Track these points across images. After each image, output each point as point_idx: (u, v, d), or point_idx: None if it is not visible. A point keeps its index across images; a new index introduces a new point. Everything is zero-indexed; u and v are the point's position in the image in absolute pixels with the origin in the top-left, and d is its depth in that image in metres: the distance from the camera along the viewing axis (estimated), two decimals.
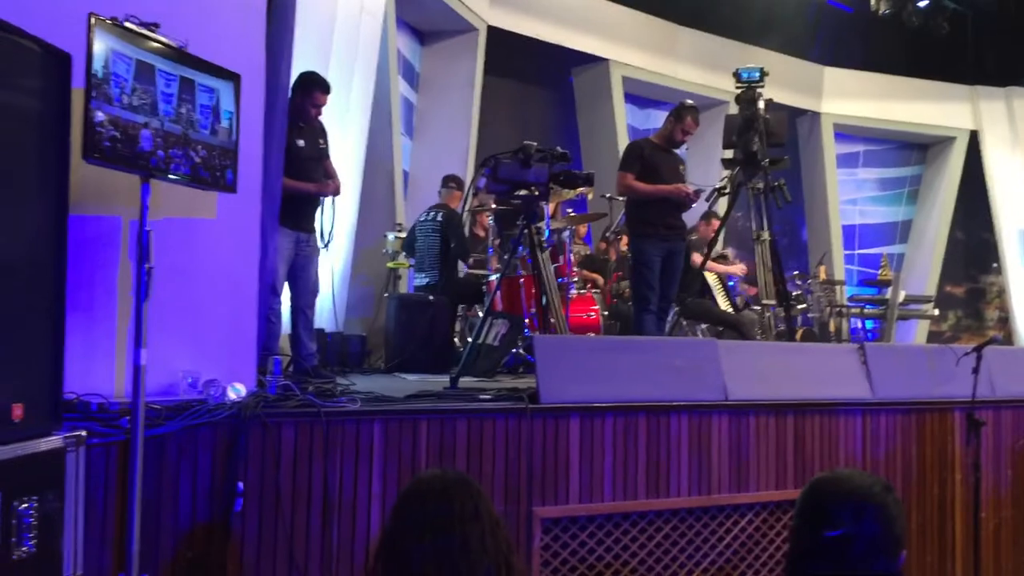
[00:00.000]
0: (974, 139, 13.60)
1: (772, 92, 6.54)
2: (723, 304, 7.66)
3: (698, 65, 11.68)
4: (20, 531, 2.43)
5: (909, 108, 13.31)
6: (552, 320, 5.02)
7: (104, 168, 2.88)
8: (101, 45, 2.77)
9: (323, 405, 3.45)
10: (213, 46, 3.38)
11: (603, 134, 11.06)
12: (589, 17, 10.88)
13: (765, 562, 4.33)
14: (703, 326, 8.10)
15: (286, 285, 5.36)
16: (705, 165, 10.96)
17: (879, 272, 11.55)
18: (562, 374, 4.01)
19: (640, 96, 11.85)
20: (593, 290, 7.50)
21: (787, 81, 11.75)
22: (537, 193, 5.08)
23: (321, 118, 5.50)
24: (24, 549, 2.44)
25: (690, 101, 6.43)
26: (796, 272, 10.89)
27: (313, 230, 5.44)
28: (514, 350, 6.05)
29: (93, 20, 2.76)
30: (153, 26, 3.02)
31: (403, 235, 7.58)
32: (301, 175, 5.20)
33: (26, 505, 2.45)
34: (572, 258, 7.13)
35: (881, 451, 4.77)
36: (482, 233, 7.71)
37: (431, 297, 6.72)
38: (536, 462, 3.81)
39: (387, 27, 7.93)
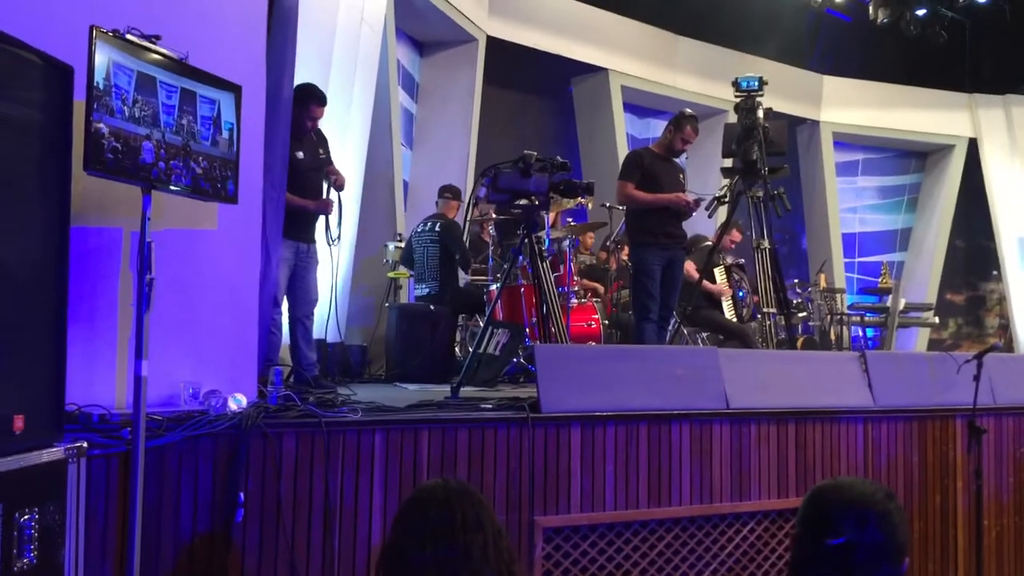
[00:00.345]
0: (973, 147, 13.62)
1: (771, 101, 6.55)
2: (728, 313, 7.66)
3: (697, 74, 11.71)
4: (21, 543, 2.43)
5: (908, 116, 13.33)
6: (553, 329, 5.03)
7: (105, 179, 2.89)
8: (103, 57, 2.78)
9: (324, 415, 3.44)
10: (214, 57, 3.39)
11: (603, 143, 11.08)
12: (588, 27, 10.91)
13: (767, 571, 4.32)
14: (704, 335, 8.10)
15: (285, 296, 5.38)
16: (705, 174, 10.97)
17: (879, 280, 11.55)
18: (563, 383, 4.00)
19: (639, 105, 11.88)
20: (594, 299, 7.51)
21: (786, 90, 11.78)
22: (537, 203, 5.09)
23: (321, 127, 5.52)
24: (25, 561, 2.44)
25: (689, 110, 6.44)
26: (796, 280, 10.90)
27: (313, 240, 5.46)
28: (515, 359, 6.05)
29: (95, 32, 2.77)
30: (154, 38, 3.03)
31: (403, 245, 7.59)
32: (303, 187, 5.23)
33: (27, 517, 2.45)
34: (573, 267, 7.14)
35: (883, 459, 4.77)
36: (488, 239, 7.71)
37: (432, 307, 6.73)
38: (537, 471, 3.81)
39: (387, 38, 7.96)
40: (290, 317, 5.42)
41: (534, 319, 5.93)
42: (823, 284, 10.87)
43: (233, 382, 3.57)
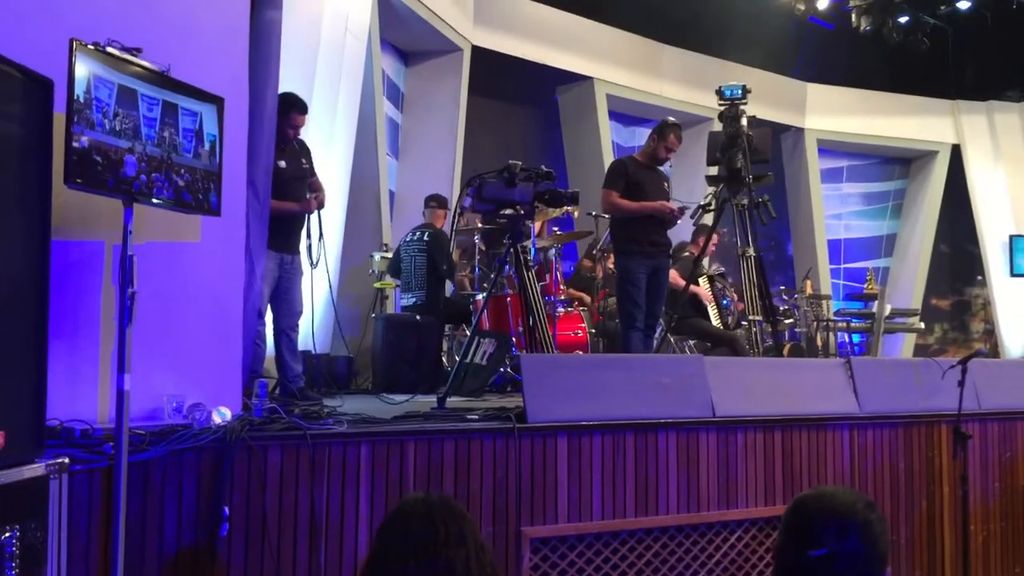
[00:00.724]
0: (956, 153, 13.70)
1: (756, 109, 6.58)
2: (716, 322, 7.68)
3: (682, 82, 11.75)
4: (2, 561, 2.40)
5: (892, 123, 13.41)
6: (539, 339, 5.02)
7: (86, 193, 2.88)
8: (83, 70, 2.77)
9: (309, 428, 3.42)
10: (196, 70, 3.38)
11: (588, 152, 11.10)
12: (573, 36, 10.94)
13: None
14: (691, 342, 8.11)
15: (269, 307, 5.37)
16: (690, 182, 11.00)
17: (865, 286, 11.61)
18: (549, 393, 4.00)
19: (625, 114, 11.91)
20: (580, 308, 7.51)
21: (770, 98, 11.82)
22: (522, 212, 5.09)
23: (303, 138, 5.51)
24: None
25: (672, 118, 6.47)
26: (783, 287, 10.94)
27: (297, 251, 5.44)
28: (502, 369, 6.04)
29: (75, 45, 2.76)
30: (135, 51, 3.02)
31: (389, 255, 7.58)
32: (284, 196, 5.21)
33: (8, 535, 2.43)
34: (559, 276, 7.14)
35: (869, 465, 4.78)
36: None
37: (418, 317, 6.72)
38: (524, 482, 3.80)
39: (371, 48, 7.96)
40: (275, 329, 5.40)
41: (520, 328, 5.92)
42: (809, 291, 10.91)
43: (217, 395, 3.55)
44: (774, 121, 11.89)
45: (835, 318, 10.93)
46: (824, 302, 11.11)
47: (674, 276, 6.89)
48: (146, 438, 3.06)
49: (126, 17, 3.39)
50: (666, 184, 6.41)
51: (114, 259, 3.15)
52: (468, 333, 6.67)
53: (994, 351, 13.17)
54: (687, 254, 7.60)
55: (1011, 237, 13.13)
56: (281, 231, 5.17)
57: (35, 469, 2.58)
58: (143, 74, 3.00)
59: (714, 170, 6.53)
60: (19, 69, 2.59)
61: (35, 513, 2.56)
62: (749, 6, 11.68)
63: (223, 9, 3.84)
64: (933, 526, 4.94)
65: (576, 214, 8.42)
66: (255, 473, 3.25)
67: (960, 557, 4.89)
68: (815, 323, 10.53)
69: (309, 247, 5.43)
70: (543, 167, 5.15)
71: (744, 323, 6.51)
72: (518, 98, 11.40)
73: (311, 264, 5.43)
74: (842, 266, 13.62)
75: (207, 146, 3.25)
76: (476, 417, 4.00)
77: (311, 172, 5.59)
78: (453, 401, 4.85)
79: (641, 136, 11.62)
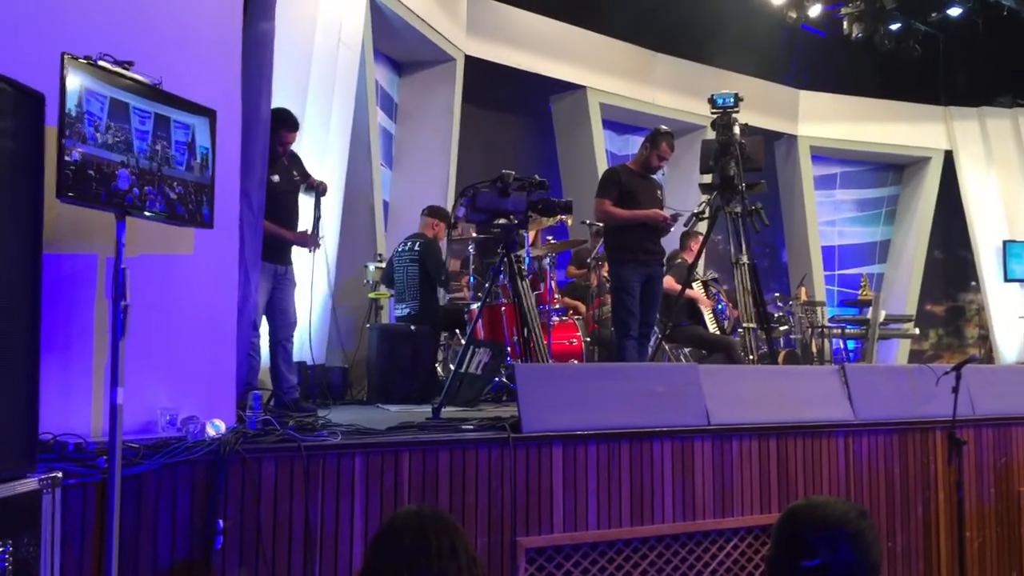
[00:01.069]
0: (949, 159, 13.74)
1: (748, 116, 6.60)
2: (711, 327, 7.69)
3: (675, 91, 11.78)
4: None
5: (884, 129, 13.45)
6: (533, 347, 5.02)
7: (79, 206, 2.88)
8: (75, 84, 2.77)
9: (303, 439, 3.42)
10: (188, 82, 3.39)
11: (582, 160, 11.12)
12: (566, 45, 10.96)
13: None
14: (687, 350, 8.12)
15: (264, 319, 5.37)
16: (683, 190, 11.03)
17: (859, 292, 11.64)
18: (544, 402, 4.00)
19: (618, 122, 11.93)
20: (575, 317, 7.51)
21: (763, 105, 11.86)
22: (516, 221, 5.09)
23: (295, 149, 5.55)
24: None
25: (664, 127, 6.48)
26: (777, 294, 10.95)
27: (289, 262, 5.47)
28: (497, 378, 6.03)
29: (66, 59, 2.76)
30: (127, 64, 3.03)
31: (383, 265, 7.58)
32: (279, 211, 5.26)
33: (1, 550, 2.42)
34: (553, 285, 7.14)
35: (864, 472, 4.78)
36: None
37: (413, 327, 6.71)
38: (520, 492, 3.79)
39: (365, 58, 7.97)
40: (270, 340, 5.41)
41: (515, 337, 5.93)
42: (804, 297, 10.92)
43: (211, 407, 3.55)
44: (767, 128, 11.92)
45: (830, 325, 10.94)
46: (819, 309, 11.12)
47: (669, 282, 6.89)
48: (140, 451, 3.06)
49: (118, 30, 3.40)
50: (659, 192, 6.42)
51: (107, 272, 3.15)
52: (463, 342, 6.67)
53: (988, 357, 13.19)
54: (680, 261, 7.62)
55: (1004, 242, 13.18)
56: (273, 244, 5.19)
57: (28, 483, 2.57)
58: (135, 87, 3.00)
59: (707, 178, 6.54)
60: (10, 83, 2.59)
61: (28, 528, 2.56)
62: (741, 14, 11.71)
63: (215, 22, 3.85)
64: (929, 532, 4.94)
65: (570, 223, 8.45)
66: (249, 485, 3.24)
67: (956, 563, 4.89)
68: (810, 330, 10.54)
69: (316, 227, 5.53)
70: (536, 176, 5.16)
71: (740, 329, 6.51)
72: (511, 107, 11.42)
73: (312, 248, 5.53)
74: (836, 272, 13.64)
75: (199, 159, 3.25)
76: (471, 427, 4.00)
77: (303, 179, 5.62)
78: (449, 411, 4.84)
79: (634, 144, 11.62)
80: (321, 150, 7.19)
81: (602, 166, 10.52)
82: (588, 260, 8.16)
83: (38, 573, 2.58)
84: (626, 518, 4.04)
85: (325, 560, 3.37)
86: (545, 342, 5.62)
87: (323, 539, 3.38)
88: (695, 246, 7.43)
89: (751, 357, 6.21)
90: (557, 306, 7.28)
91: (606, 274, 7.47)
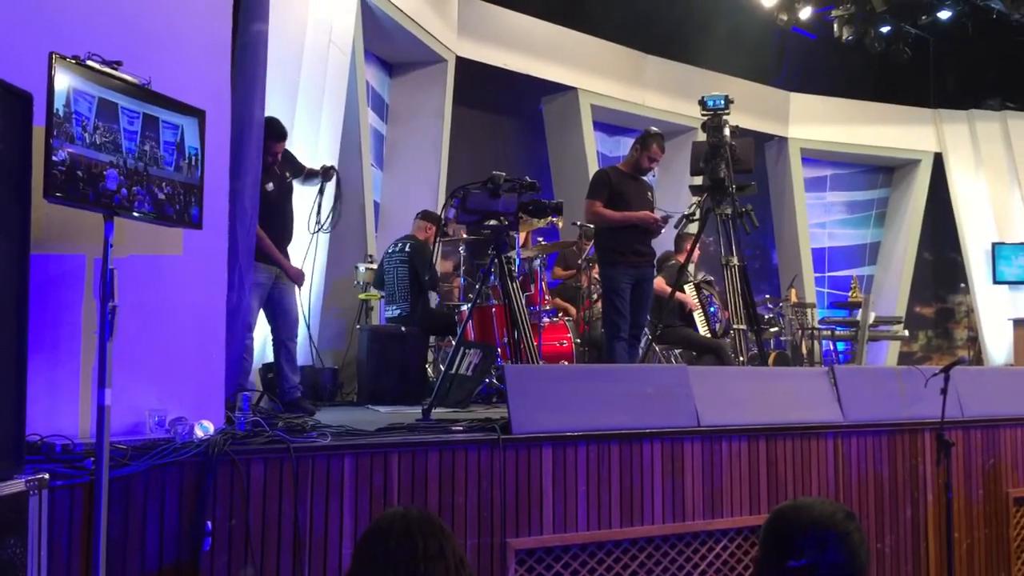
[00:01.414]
0: (938, 161, 13.80)
1: (739, 118, 6.61)
2: (702, 329, 7.71)
3: (666, 93, 11.80)
4: None
5: (874, 132, 13.49)
6: (524, 349, 5.02)
7: (67, 207, 2.87)
8: (63, 84, 2.76)
9: (292, 441, 3.41)
10: (177, 82, 3.38)
11: (573, 162, 11.13)
12: (557, 46, 10.97)
13: None
14: (677, 351, 8.13)
15: (263, 321, 5.43)
16: (674, 191, 11.04)
17: (849, 294, 11.67)
18: (534, 404, 4.00)
19: (609, 124, 11.95)
20: (566, 318, 7.52)
21: (754, 107, 11.89)
22: (506, 223, 5.09)
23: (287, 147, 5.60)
24: None
25: (655, 128, 6.48)
26: (768, 296, 10.97)
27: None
28: (487, 380, 6.03)
29: (54, 59, 2.75)
30: (115, 64, 3.01)
31: (374, 266, 7.57)
32: (272, 219, 5.28)
33: None
34: (544, 286, 7.14)
35: (853, 474, 4.79)
36: None
37: (403, 328, 6.71)
38: (509, 493, 3.79)
39: (355, 59, 7.96)
40: (274, 340, 5.49)
41: (505, 339, 5.92)
42: (794, 299, 10.95)
43: (200, 408, 3.53)
44: (758, 130, 11.96)
45: (820, 326, 10.98)
46: (809, 310, 11.15)
47: (660, 283, 6.90)
48: (127, 453, 3.05)
49: (106, 30, 3.38)
50: (650, 194, 6.43)
51: (95, 273, 3.14)
52: (453, 344, 6.66)
53: (977, 358, 13.24)
54: (672, 263, 7.62)
55: (993, 245, 13.24)
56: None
57: (15, 485, 2.56)
58: (123, 87, 2.99)
59: (698, 180, 6.55)
60: None
61: (14, 529, 2.54)
62: (732, 16, 11.75)
63: (204, 21, 3.84)
64: (917, 534, 4.96)
65: (560, 224, 8.45)
66: (238, 487, 3.23)
67: (944, 565, 4.91)
68: (800, 331, 10.57)
69: (319, 214, 5.69)
70: (527, 178, 5.16)
71: (731, 332, 6.52)
72: (503, 109, 11.43)
73: (324, 228, 5.71)
74: (826, 274, 13.68)
75: (188, 159, 3.24)
76: (461, 428, 3.99)
77: (299, 174, 5.69)
78: (439, 412, 4.84)
79: (625, 146, 11.66)
80: (311, 151, 7.16)
81: (593, 167, 10.53)
82: (579, 262, 8.17)
83: (24, 575, 2.57)
84: (616, 519, 4.04)
85: (314, 562, 3.36)
86: (535, 343, 5.62)
87: (312, 540, 3.37)
88: (688, 248, 7.43)
89: (741, 359, 6.22)
90: (548, 307, 7.29)
91: (596, 275, 7.48)
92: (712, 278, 8.32)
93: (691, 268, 7.62)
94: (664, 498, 4.18)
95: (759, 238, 12.93)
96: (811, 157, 13.49)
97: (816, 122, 13.26)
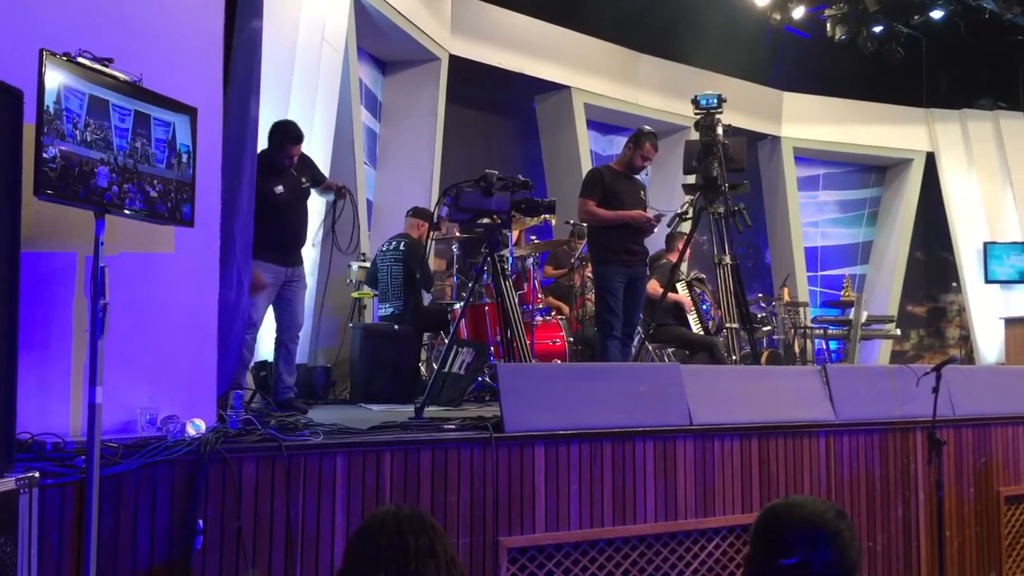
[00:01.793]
0: (931, 160, 13.83)
1: (732, 117, 6.61)
2: (696, 327, 7.71)
3: (659, 91, 11.81)
4: None
5: (867, 131, 13.52)
6: (516, 347, 5.02)
7: (57, 204, 2.86)
8: (53, 81, 2.75)
9: (284, 439, 3.41)
10: (169, 80, 3.37)
11: (567, 160, 11.12)
12: (551, 45, 10.97)
13: None
14: (670, 350, 8.13)
15: (270, 319, 5.50)
16: (667, 190, 11.06)
17: (841, 293, 11.69)
18: (526, 402, 4.00)
19: (602, 122, 11.95)
20: (558, 317, 7.52)
21: (747, 106, 11.91)
22: (499, 221, 5.09)
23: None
24: None
25: (648, 127, 6.48)
26: (760, 295, 10.98)
27: (296, 264, 5.50)
28: (480, 378, 6.03)
29: (45, 56, 2.74)
30: (107, 61, 3.01)
31: (367, 265, 7.56)
32: (277, 218, 5.30)
33: None
34: (537, 285, 7.14)
35: (845, 472, 4.80)
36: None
37: (396, 326, 6.70)
38: (502, 491, 3.79)
39: (348, 57, 7.94)
40: (276, 339, 5.53)
41: (498, 337, 5.92)
42: (787, 298, 10.97)
43: (192, 407, 3.53)
44: (751, 130, 11.97)
45: (812, 325, 10.99)
46: (801, 309, 11.17)
47: (652, 285, 6.90)
48: (119, 451, 3.04)
49: (98, 26, 3.37)
50: (643, 193, 6.43)
51: (86, 271, 3.13)
52: (446, 342, 6.66)
53: (969, 357, 13.28)
54: (663, 262, 7.63)
55: (985, 244, 13.28)
56: (274, 246, 5.24)
57: (5, 483, 2.55)
58: (115, 84, 2.98)
59: (691, 179, 6.55)
60: None
61: (5, 528, 2.53)
62: (725, 16, 11.76)
63: (197, 19, 3.83)
64: (909, 532, 4.97)
65: (553, 223, 8.44)
66: (230, 485, 3.23)
67: (936, 563, 4.92)
68: (793, 330, 10.59)
69: (333, 232, 5.79)
70: (520, 176, 5.16)
71: (724, 330, 6.53)
72: (496, 107, 11.42)
73: (343, 248, 5.80)
74: (819, 273, 13.71)
75: (180, 156, 3.23)
76: (453, 427, 3.99)
77: (316, 183, 5.71)
78: (431, 410, 4.84)
79: (619, 145, 11.66)
80: (305, 149, 7.15)
81: (586, 166, 10.53)
82: (572, 260, 8.17)
83: (15, 574, 2.56)
84: (608, 518, 4.04)
85: (306, 560, 3.36)
86: (528, 342, 5.62)
87: (304, 539, 3.36)
88: (681, 247, 7.44)
89: (734, 357, 6.23)
90: (540, 306, 7.29)
91: (589, 274, 7.49)
92: (704, 275, 8.33)
93: (683, 266, 7.62)
94: (656, 497, 4.18)
95: (752, 237, 12.94)
96: (804, 156, 13.51)
97: (809, 121, 13.28)
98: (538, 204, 5.22)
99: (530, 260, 7.07)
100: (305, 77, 7.20)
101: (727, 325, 6.22)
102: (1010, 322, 12.41)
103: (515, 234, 7.51)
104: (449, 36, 9.90)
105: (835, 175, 14.13)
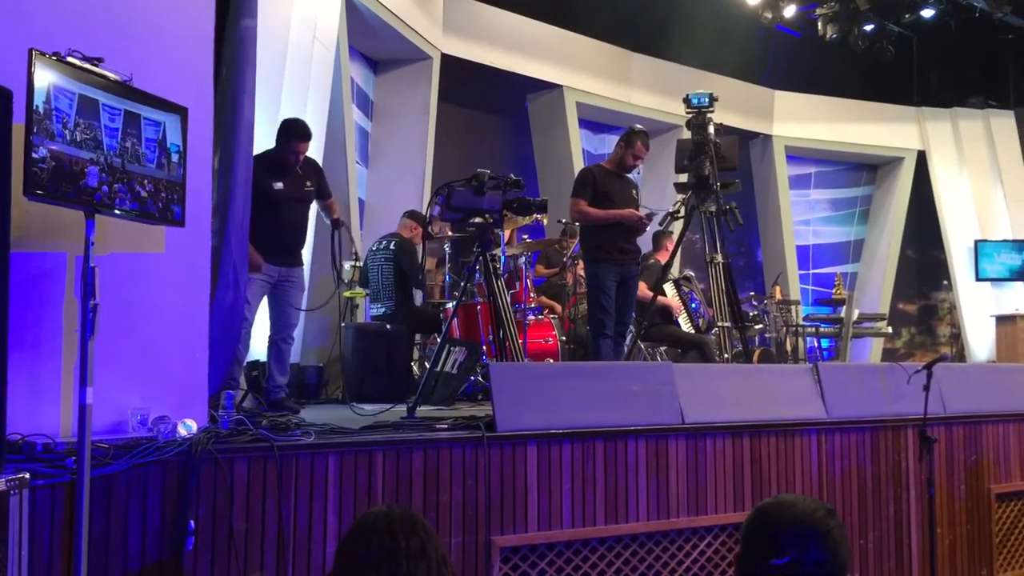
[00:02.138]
0: (922, 159, 13.88)
1: (724, 116, 6.62)
2: (686, 326, 7.73)
3: (651, 90, 11.82)
4: None
5: (858, 130, 13.56)
6: (508, 347, 5.02)
7: (47, 204, 2.85)
8: (43, 80, 2.74)
9: (276, 439, 3.40)
10: (160, 79, 3.36)
11: (559, 159, 11.12)
12: (543, 44, 10.97)
13: None
14: (662, 349, 8.15)
15: (264, 316, 5.50)
16: (659, 189, 11.07)
17: (833, 291, 11.73)
18: (518, 402, 4.00)
19: (595, 121, 11.96)
20: (551, 316, 7.52)
21: (739, 105, 11.93)
22: (491, 220, 5.09)
23: (315, 159, 5.64)
24: None
25: (639, 126, 6.49)
26: (752, 293, 11.00)
27: (292, 264, 5.51)
28: (472, 377, 6.03)
29: (34, 55, 2.73)
30: (97, 60, 3.00)
31: (359, 264, 7.54)
32: (276, 216, 5.31)
33: None
34: (529, 284, 7.14)
35: (837, 470, 4.81)
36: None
37: (388, 326, 6.69)
38: (494, 491, 3.79)
39: (340, 56, 7.93)
40: (268, 339, 5.54)
41: (491, 337, 5.92)
42: (779, 296, 10.98)
43: (183, 407, 3.52)
44: (742, 128, 11.99)
45: (804, 323, 11.01)
46: (793, 307, 11.18)
47: (642, 289, 6.91)
48: (109, 452, 3.02)
49: (88, 26, 3.36)
50: (634, 192, 6.43)
51: (76, 271, 3.12)
52: (439, 341, 6.66)
53: (960, 355, 13.33)
54: (652, 262, 7.63)
55: (976, 242, 13.34)
56: (268, 243, 5.23)
57: None
58: (105, 84, 2.97)
59: (682, 177, 6.56)
60: None
61: None
62: (717, 15, 11.77)
63: (188, 18, 3.81)
64: (900, 529, 4.99)
65: (545, 222, 8.44)
66: (221, 486, 3.22)
67: (927, 560, 4.94)
68: (784, 328, 10.60)
69: (334, 261, 5.70)
70: (511, 175, 5.15)
71: (716, 328, 6.54)
72: (488, 106, 11.42)
73: (336, 276, 5.76)
74: (811, 271, 13.74)
75: (170, 156, 3.22)
76: (445, 427, 3.99)
77: (315, 195, 5.63)
78: (424, 410, 4.83)
79: (611, 143, 11.61)
80: None
81: (578, 165, 10.53)
82: (564, 259, 8.17)
83: (6, 575, 2.55)
84: (600, 517, 4.05)
85: (298, 561, 3.35)
86: (520, 341, 5.62)
87: (296, 539, 3.36)
88: (670, 246, 7.45)
89: (725, 356, 6.24)
90: (533, 305, 7.28)
91: (582, 272, 7.49)
92: (692, 273, 8.34)
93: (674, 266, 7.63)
94: (649, 495, 4.19)
95: (744, 235, 12.96)
96: (795, 155, 13.54)
97: (800, 120, 13.31)
98: (530, 203, 5.22)
99: (522, 259, 7.07)
100: (297, 76, 7.18)
101: (719, 324, 6.23)
102: (1001, 320, 12.48)
103: (507, 233, 7.51)
104: (441, 35, 9.89)
105: (826, 173, 14.16)
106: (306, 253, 7.21)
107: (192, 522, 3.12)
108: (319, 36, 7.46)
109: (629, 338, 6.61)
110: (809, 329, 10.95)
